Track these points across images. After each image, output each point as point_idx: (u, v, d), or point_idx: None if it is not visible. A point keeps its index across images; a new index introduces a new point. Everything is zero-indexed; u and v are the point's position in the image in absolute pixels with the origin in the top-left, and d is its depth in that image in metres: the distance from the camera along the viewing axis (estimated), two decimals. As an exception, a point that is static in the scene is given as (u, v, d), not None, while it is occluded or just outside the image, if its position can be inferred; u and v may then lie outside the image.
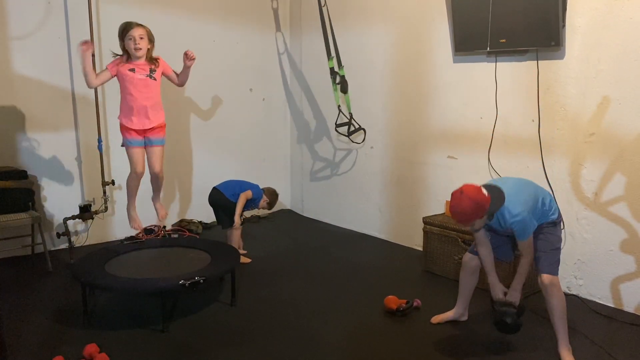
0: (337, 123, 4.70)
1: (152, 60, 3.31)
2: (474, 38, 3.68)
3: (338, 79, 4.51)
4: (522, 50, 3.52)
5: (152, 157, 3.48)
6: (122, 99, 3.36)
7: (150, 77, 3.24)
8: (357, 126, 4.61)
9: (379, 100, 4.65)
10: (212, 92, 5.10)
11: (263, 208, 4.30)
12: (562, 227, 2.77)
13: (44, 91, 4.13)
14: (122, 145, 3.44)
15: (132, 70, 3.20)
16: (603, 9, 3.15)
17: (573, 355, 2.60)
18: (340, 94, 4.57)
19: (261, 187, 4.23)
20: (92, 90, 4.25)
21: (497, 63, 3.71)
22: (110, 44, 4.35)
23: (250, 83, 5.38)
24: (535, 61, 3.49)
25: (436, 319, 3.06)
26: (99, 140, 4.29)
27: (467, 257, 2.93)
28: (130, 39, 3.19)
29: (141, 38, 3.22)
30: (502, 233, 2.73)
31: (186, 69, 3.44)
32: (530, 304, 3.26)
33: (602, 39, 3.18)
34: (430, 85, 4.20)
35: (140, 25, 3.27)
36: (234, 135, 5.33)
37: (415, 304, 3.20)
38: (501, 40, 3.51)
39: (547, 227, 2.65)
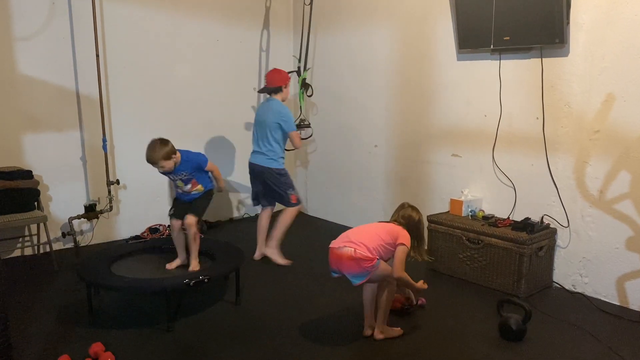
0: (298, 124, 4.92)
1: None
2: (477, 36, 3.67)
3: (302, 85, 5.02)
4: (526, 48, 3.51)
5: None
6: None
7: None
8: (306, 123, 5.12)
9: (383, 99, 4.64)
10: (215, 91, 5.11)
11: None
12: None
13: (48, 91, 4.15)
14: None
15: None
16: (607, 5, 3.14)
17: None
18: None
19: None
20: (97, 90, 4.27)
21: (501, 61, 3.70)
22: (114, 43, 4.40)
23: (253, 82, 5.38)
24: (540, 59, 3.48)
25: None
26: (104, 140, 4.31)
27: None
28: None
29: None
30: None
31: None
32: (533, 302, 3.25)
33: (606, 35, 3.16)
34: (434, 84, 4.19)
35: None
36: (237, 134, 5.33)
37: (420, 302, 3.20)
38: (505, 38, 3.50)
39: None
